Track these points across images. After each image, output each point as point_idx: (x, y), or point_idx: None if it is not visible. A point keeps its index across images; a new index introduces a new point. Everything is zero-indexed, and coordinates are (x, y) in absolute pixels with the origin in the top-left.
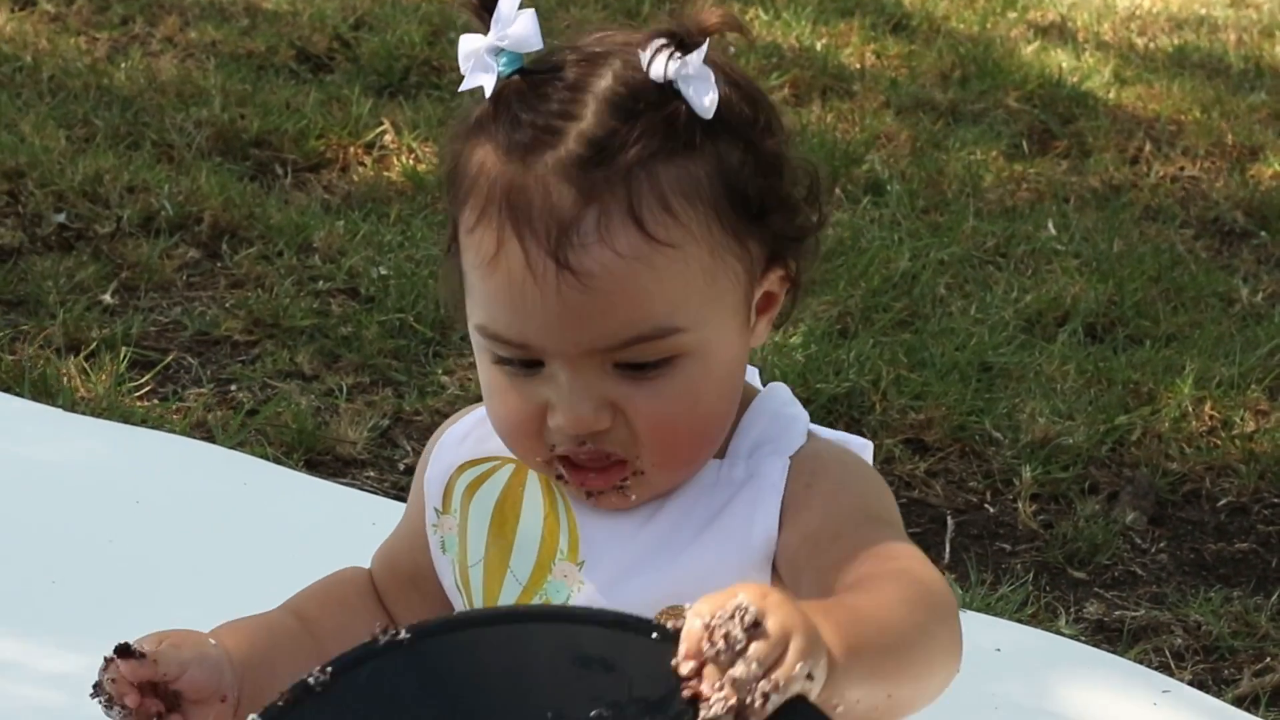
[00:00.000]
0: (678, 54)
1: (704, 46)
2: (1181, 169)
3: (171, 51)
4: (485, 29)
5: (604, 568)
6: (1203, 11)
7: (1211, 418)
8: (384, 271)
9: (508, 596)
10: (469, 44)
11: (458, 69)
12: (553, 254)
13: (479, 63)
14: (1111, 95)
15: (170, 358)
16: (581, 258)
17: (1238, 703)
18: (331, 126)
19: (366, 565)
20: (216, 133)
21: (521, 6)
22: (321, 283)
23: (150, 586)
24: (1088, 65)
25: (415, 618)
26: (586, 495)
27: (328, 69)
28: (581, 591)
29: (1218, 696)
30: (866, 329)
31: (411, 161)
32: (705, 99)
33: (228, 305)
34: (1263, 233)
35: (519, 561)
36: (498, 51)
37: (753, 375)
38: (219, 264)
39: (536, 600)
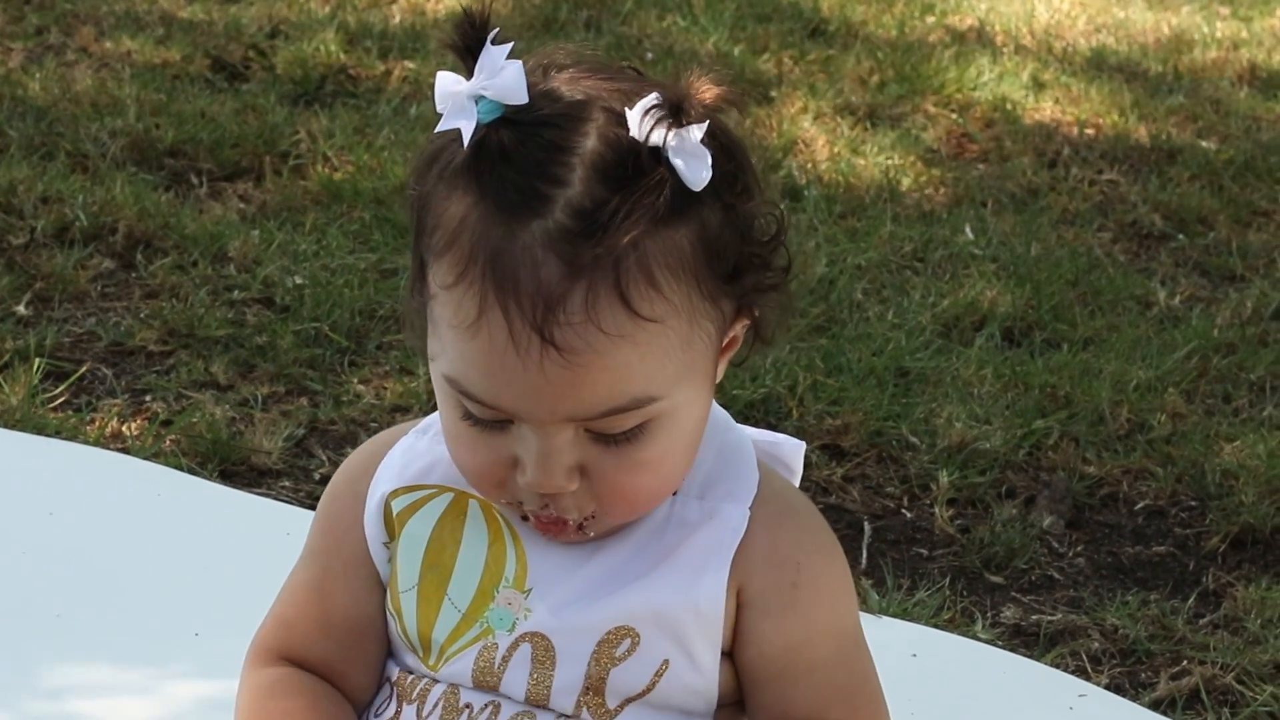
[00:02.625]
0: (672, 124)
1: (704, 124)
2: (1099, 172)
3: (86, 61)
4: (467, 71)
5: (552, 595)
6: (1121, 15)
7: (1129, 421)
8: (299, 281)
9: (444, 624)
10: (448, 85)
11: (374, 76)
12: (538, 329)
13: (458, 106)
14: (1029, 99)
15: (84, 368)
16: (567, 335)
17: (1154, 706)
18: (247, 136)
19: (278, 578)
20: (131, 142)
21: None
22: (236, 292)
23: (64, 598)
24: (1006, 69)
25: (368, 669)
26: (545, 535)
27: (243, 78)
28: (529, 619)
29: (1134, 700)
30: (783, 335)
31: (327, 170)
32: (699, 175)
33: (142, 315)
34: (1180, 235)
35: (458, 589)
36: (479, 99)
37: None
38: (134, 274)
39: (475, 628)
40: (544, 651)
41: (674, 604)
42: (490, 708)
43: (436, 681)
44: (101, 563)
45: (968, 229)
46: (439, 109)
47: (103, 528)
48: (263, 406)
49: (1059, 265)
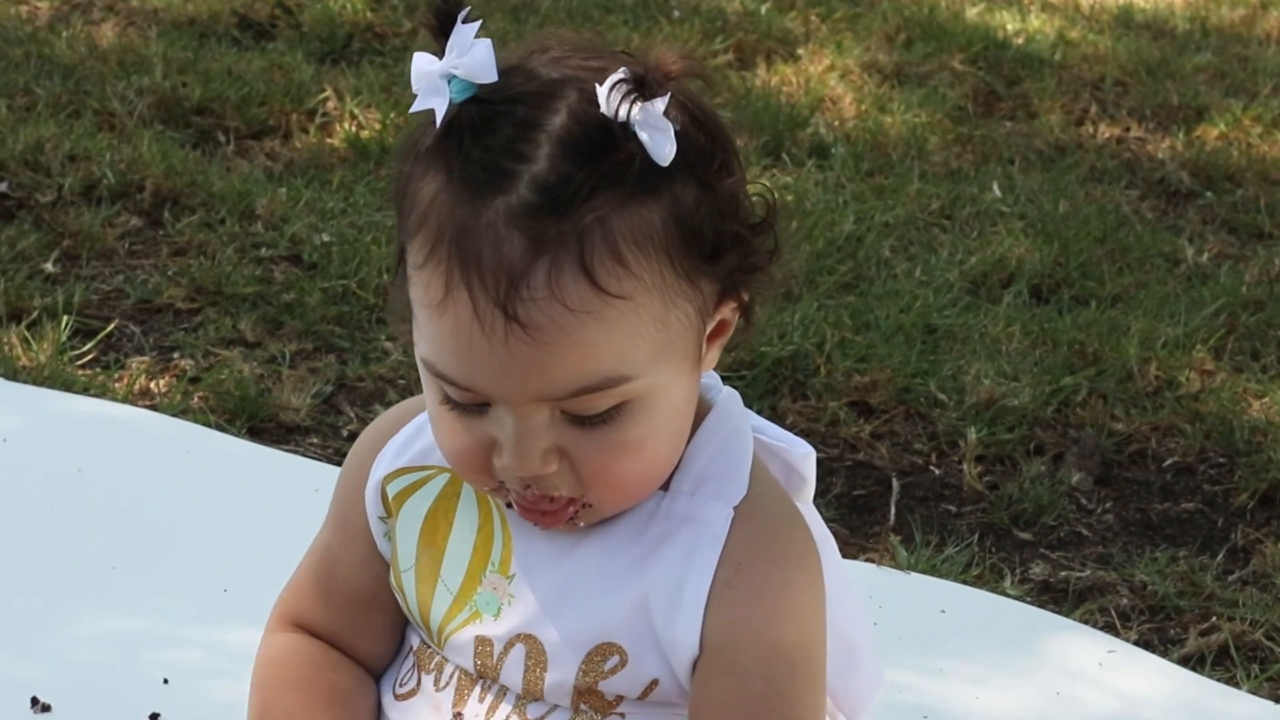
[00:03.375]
0: (637, 98)
1: (666, 97)
2: (1127, 130)
3: (113, 19)
4: (441, 51)
5: (534, 585)
6: None
7: (1157, 378)
8: (326, 238)
9: (439, 605)
10: (422, 65)
11: (400, 34)
12: (501, 305)
13: (431, 86)
14: (1057, 56)
15: (112, 326)
16: (530, 311)
17: (1183, 662)
18: (274, 93)
19: (306, 535)
20: (158, 100)
21: (480, 35)
22: (264, 250)
23: (92, 554)
24: (1033, 26)
25: (379, 637)
26: (534, 523)
27: (270, 36)
28: (511, 605)
29: (1163, 656)
30: (811, 292)
31: (354, 128)
32: (663, 149)
33: (170, 273)
34: (1208, 193)
35: (449, 571)
36: (451, 78)
37: (710, 380)
38: (161, 232)
39: (466, 611)
40: (537, 654)
41: (655, 619)
42: (499, 687)
43: (449, 660)
44: (130, 519)
45: (995, 186)
46: (414, 90)
47: (131, 484)
48: (290, 363)
49: (1087, 222)
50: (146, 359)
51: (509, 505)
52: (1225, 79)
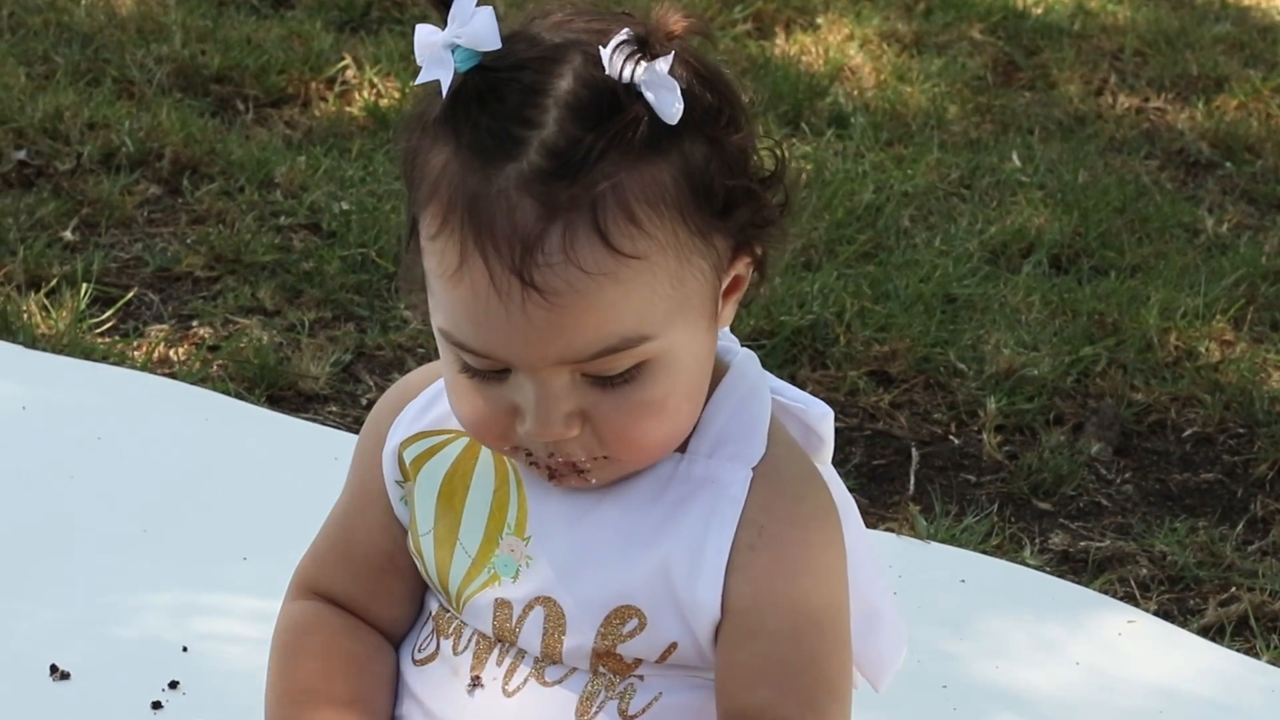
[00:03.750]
0: (641, 58)
1: (670, 56)
2: (1146, 100)
3: None
4: (443, 22)
5: (552, 547)
6: None
7: (1177, 348)
8: (346, 206)
9: (458, 568)
10: (425, 36)
11: (419, 2)
12: (517, 272)
13: (435, 57)
14: (1076, 26)
15: (131, 294)
16: (547, 276)
17: (1203, 633)
18: (293, 62)
19: (325, 503)
20: (177, 69)
21: (481, 3)
22: (283, 218)
23: (111, 522)
24: None
25: (397, 603)
26: (549, 477)
27: (289, 4)
28: (530, 567)
29: (1183, 626)
30: (831, 261)
31: (373, 97)
32: (670, 108)
33: (189, 241)
34: (1228, 163)
35: (467, 534)
36: (454, 47)
37: (727, 342)
38: (180, 200)
39: (484, 574)
40: (555, 618)
41: (676, 582)
42: (516, 650)
43: (467, 624)
44: (149, 487)
45: (1015, 156)
46: (419, 62)
47: (150, 452)
48: (309, 332)
49: (1106, 193)
50: (165, 327)
51: (532, 465)
52: (1245, 49)
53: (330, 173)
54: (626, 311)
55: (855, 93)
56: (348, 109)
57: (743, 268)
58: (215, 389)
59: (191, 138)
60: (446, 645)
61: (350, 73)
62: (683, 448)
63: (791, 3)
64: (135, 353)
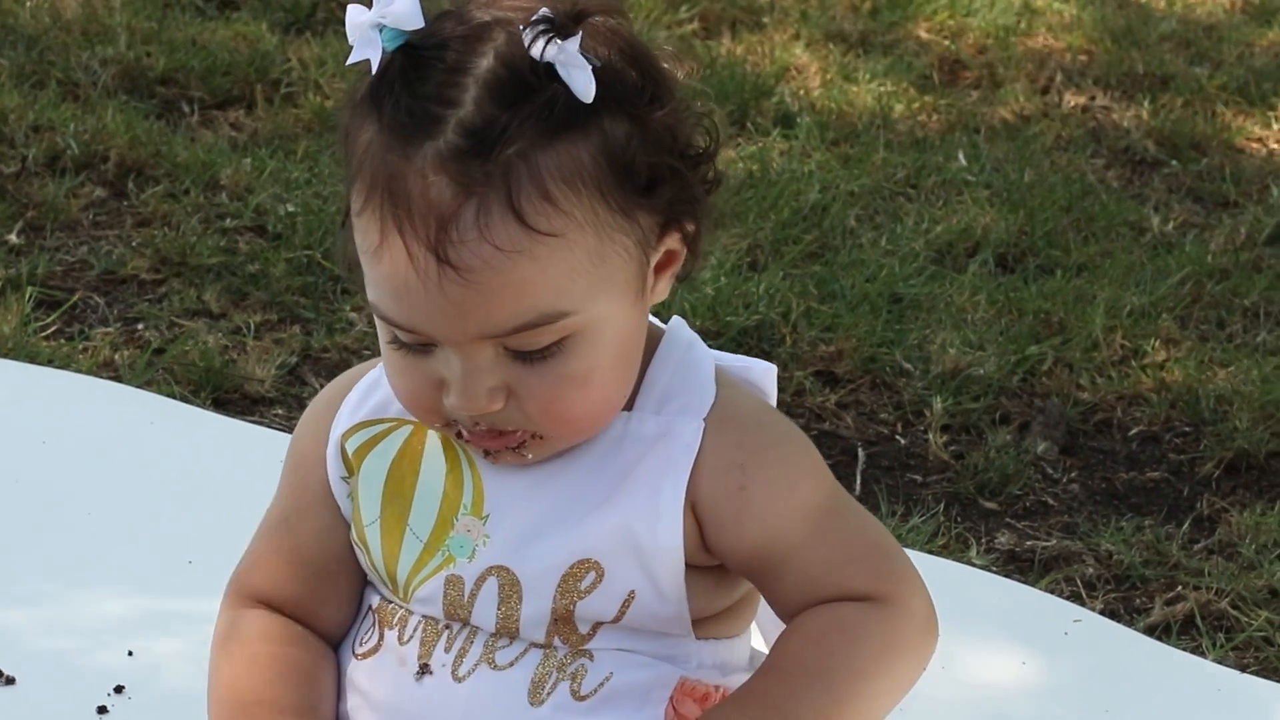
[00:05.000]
0: (554, 37)
1: (578, 35)
2: (1093, 99)
3: None
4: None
5: (510, 522)
6: None
7: (1123, 347)
8: (291, 208)
9: (408, 554)
10: (354, 16)
11: (365, 4)
12: (433, 249)
13: (363, 37)
14: (1023, 25)
15: (76, 297)
16: (461, 253)
17: (1149, 631)
18: (238, 64)
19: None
20: (122, 71)
21: None
22: (229, 220)
23: (57, 526)
24: None
25: (344, 603)
26: (485, 454)
27: (234, 5)
28: (488, 545)
29: (1129, 625)
30: (776, 261)
31: (319, 98)
32: (583, 86)
33: (134, 244)
34: (1174, 161)
35: (418, 519)
36: (380, 27)
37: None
38: (125, 203)
39: (439, 555)
40: (510, 586)
41: (634, 530)
42: (467, 631)
43: (412, 612)
44: (94, 491)
45: (961, 155)
46: (350, 42)
47: (96, 456)
48: (255, 334)
49: (1052, 191)
50: (111, 330)
51: (458, 437)
52: (1190, 47)
53: (276, 175)
54: (543, 288)
55: (801, 92)
56: (293, 110)
57: (674, 243)
58: (161, 392)
59: (137, 140)
60: (391, 636)
61: (296, 74)
62: (629, 406)
63: (738, 3)
64: (81, 356)
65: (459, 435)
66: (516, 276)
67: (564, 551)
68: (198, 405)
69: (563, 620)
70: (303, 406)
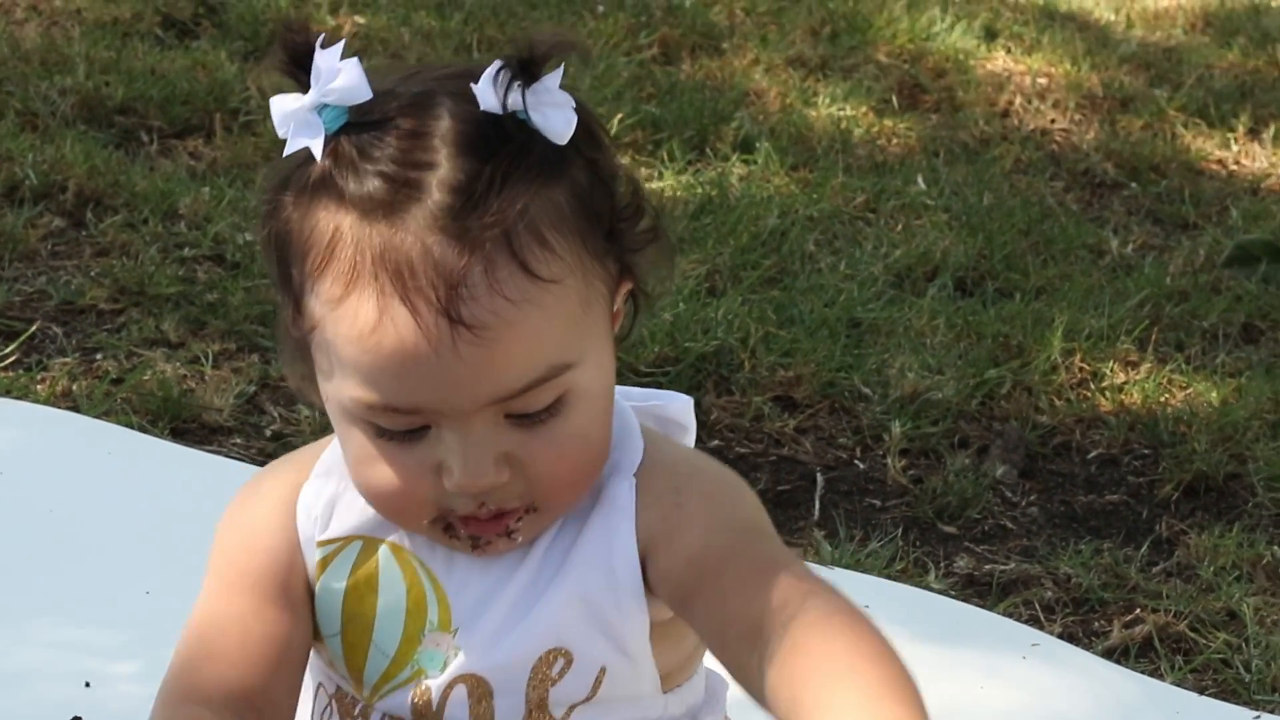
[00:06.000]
0: (524, 84)
1: (558, 72)
2: (1052, 122)
3: (36, 19)
4: (301, 87)
5: (479, 629)
6: None
7: (1081, 370)
8: (249, 237)
9: (374, 668)
10: (284, 106)
11: (323, 30)
12: (444, 312)
13: (301, 122)
14: (982, 49)
15: (35, 327)
16: (475, 310)
17: (1108, 654)
18: (197, 93)
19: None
20: (81, 100)
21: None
22: (187, 250)
23: (13, 557)
24: (958, 19)
25: (296, 692)
26: (472, 547)
27: (193, 34)
28: (458, 657)
29: (1087, 649)
30: (735, 287)
31: None
32: (560, 126)
33: (93, 274)
34: (1133, 184)
35: (383, 635)
36: (321, 108)
37: None
38: (84, 232)
39: (408, 669)
40: (480, 688)
41: (595, 603)
42: None
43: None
44: (51, 521)
45: (920, 179)
46: (280, 133)
47: (53, 486)
48: (214, 363)
49: (1011, 215)
50: (69, 360)
51: (447, 530)
52: (1150, 70)
53: (234, 203)
54: (550, 338)
55: (760, 117)
56: (252, 138)
57: (621, 297)
58: (119, 422)
59: (95, 170)
60: None
61: (255, 102)
62: None
63: (697, 28)
64: (38, 386)
65: (447, 529)
66: (527, 328)
67: (529, 645)
68: (156, 435)
69: (538, 708)
70: (260, 435)
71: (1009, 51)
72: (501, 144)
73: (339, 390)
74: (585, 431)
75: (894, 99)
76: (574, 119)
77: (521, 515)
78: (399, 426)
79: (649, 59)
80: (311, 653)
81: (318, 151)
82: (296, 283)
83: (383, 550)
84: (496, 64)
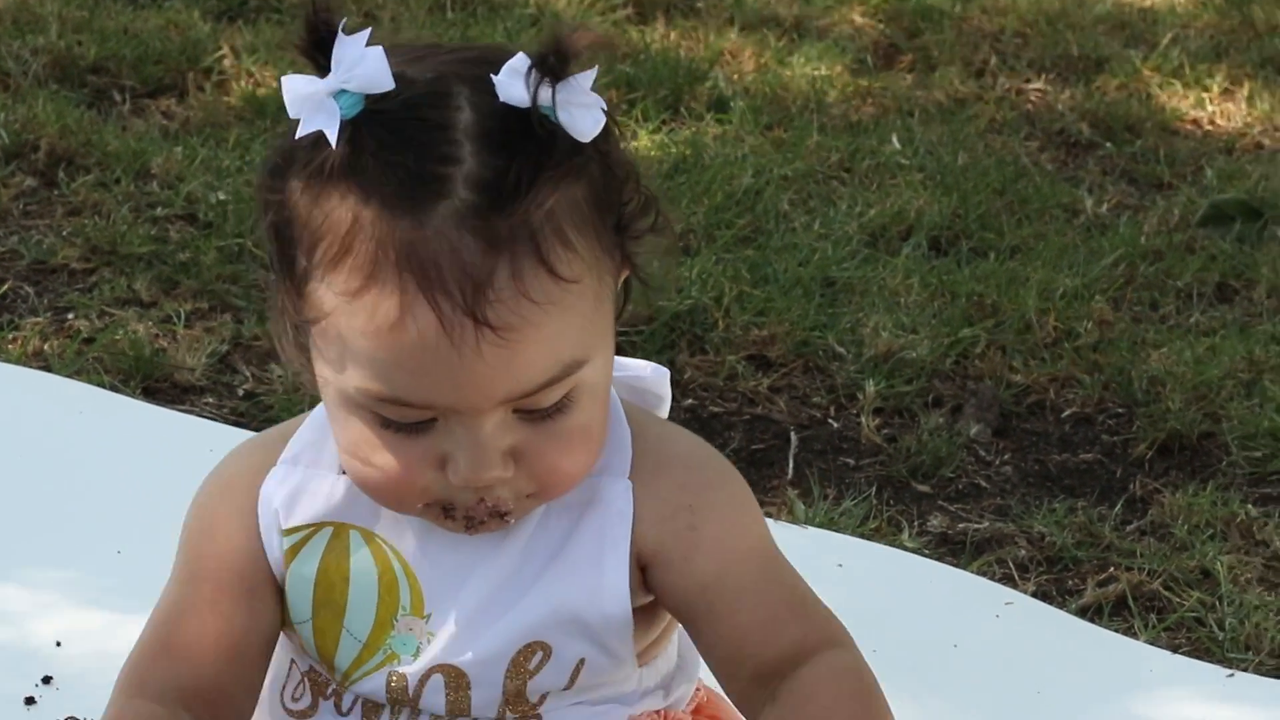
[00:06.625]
0: (554, 80)
1: (591, 72)
2: (1027, 81)
3: None
4: (318, 70)
5: (453, 614)
6: None
7: (1056, 329)
8: (222, 196)
9: (346, 654)
10: (300, 87)
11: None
12: (469, 313)
13: (315, 106)
14: (957, 8)
15: (6, 287)
16: (500, 312)
17: (1081, 613)
18: (170, 52)
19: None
20: (53, 60)
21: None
22: (160, 209)
23: None
24: None
25: (259, 686)
26: (466, 528)
27: None
28: (432, 643)
29: (1061, 607)
30: (709, 246)
31: (250, 85)
32: (586, 125)
33: (65, 233)
34: (1108, 144)
35: (355, 621)
36: (339, 93)
37: None
38: (56, 192)
39: (380, 654)
40: (457, 679)
41: (578, 606)
42: (409, 711)
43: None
44: (23, 480)
45: (895, 139)
46: (293, 114)
47: (25, 445)
48: (186, 323)
49: (986, 174)
50: (41, 320)
51: (445, 512)
52: (1125, 30)
53: (207, 163)
54: (567, 338)
55: (735, 77)
56: (225, 98)
57: (619, 283)
58: (90, 382)
59: (67, 129)
60: (327, 706)
61: (228, 62)
62: None
63: None
64: (10, 346)
65: (445, 510)
66: (550, 330)
67: (508, 639)
68: (127, 394)
69: (515, 698)
70: (233, 394)
71: (984, 11)
72: (525, 140)
73: (346, 380)
74: (588, 425)
75: (869, 59)
76: (602, 120)
77: (517, 501)
78: (407, 419)
79: (623, 19)
80: (282, 634)
81: (333, 137)
82: (301, 269)
83: (353, 535)
84: (523, 58)
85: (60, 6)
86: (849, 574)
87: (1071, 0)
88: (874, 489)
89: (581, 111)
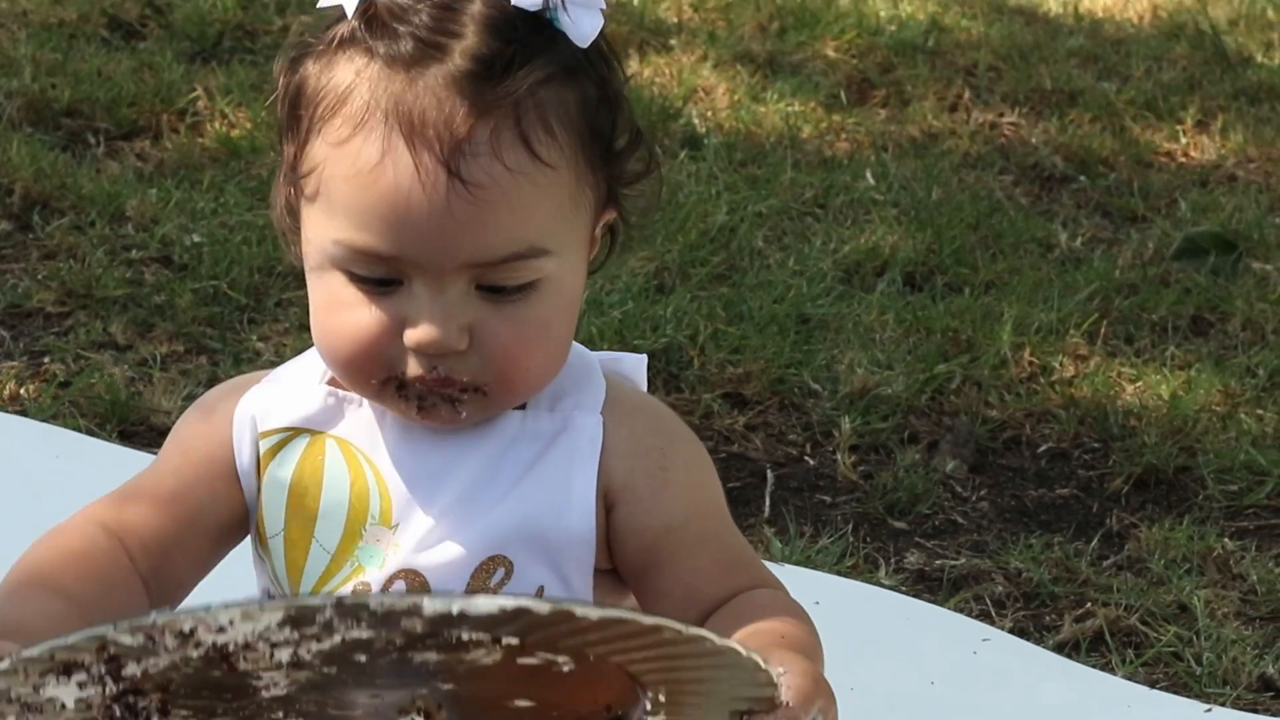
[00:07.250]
0: None
1: None
2: (1001, 115)
3: None
4: None
5: (417, 527)
6: None
7: (1031, 364)
8: (197, 239)
9: (314, 566)
10: None
11: (271, 31)
12: (444, 163)
13: None
14: (930, 42)
15: None
16: (472, 168)
17: (1059, 649)
18: (144, 94)
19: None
20: (27, 103)
21: None
22: (135, 251)
23: None
24: (906, 13)
25: (194, 567)
26: (417, 409)
27: (140, 36)
28: (397, 553)
29: (1038, 643)
30: (684, 284)
31: (225, 127)
32: (586, 26)
33: (40, 277)
34: (1082, 177)
35: (325, 531)
36: None
37: None
38: (31, 235)
39: (348, 566)
40: (419, 585)
41: (544, 523)
42: None
43: None
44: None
45: (868, 174)
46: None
47: (1, 490)
48: (162, 366)
49: (960, 209)
50: (16, 364)
51: (399, 390)
52: (1098, 62)
53: (181, 205)
54: (536, 217)
55: (709, 114)
56: (199, 140)
57: (602, 226)
58: (66, 425)
59: (42, 172)
60: None
61: (202, 103)
62: (522, 405)
63: (645, 24)
64: None
65: (399, 388)
66: (518, 199)
67: (472, 549)
68: (104, 438)
69: None
70: None
71: (958, 45)
72: (527, 33)
73: (324, 232)
74: (548, 322)
75: (842, 94)
76: (600, 22)
77: (469, 390)
78: (375, 274)
79: None
80: (256, 569)
81: (350, 9)
82: (304, 129)
83: (329, 444)
84: None
85: (34, 49)
86: (826, 612)
87: (1044, 33)
88: (850, 526)
89: (582, 12)
